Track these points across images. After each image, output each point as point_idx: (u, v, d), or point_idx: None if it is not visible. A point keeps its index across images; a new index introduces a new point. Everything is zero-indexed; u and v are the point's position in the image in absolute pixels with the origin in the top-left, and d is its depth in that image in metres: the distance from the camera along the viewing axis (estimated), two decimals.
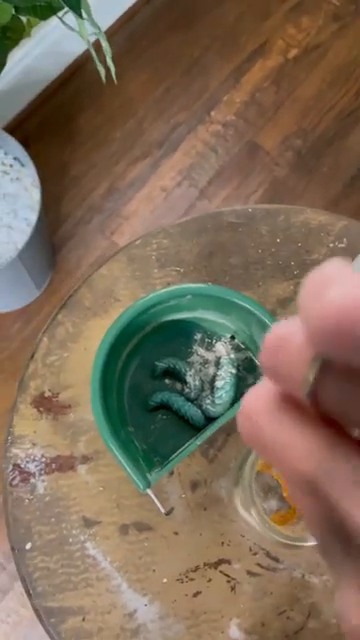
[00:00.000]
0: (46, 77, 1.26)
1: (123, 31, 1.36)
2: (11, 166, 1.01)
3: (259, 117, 1.30)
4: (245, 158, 1.28)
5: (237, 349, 0.45)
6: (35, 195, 0.99)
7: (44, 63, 1.23)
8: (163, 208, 1.25)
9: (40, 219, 0.95)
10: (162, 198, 1.25)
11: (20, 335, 1.16)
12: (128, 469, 0.37)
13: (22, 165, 1.02)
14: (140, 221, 1.24)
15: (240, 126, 1.30)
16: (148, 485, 0.37)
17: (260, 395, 0.15)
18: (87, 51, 1.31)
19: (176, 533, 0.43)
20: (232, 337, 0.46)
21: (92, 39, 0.71)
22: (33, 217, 0.97)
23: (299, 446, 0.14)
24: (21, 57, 1.16)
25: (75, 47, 1.28)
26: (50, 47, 1.21)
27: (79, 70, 1.31)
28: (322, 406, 0.13)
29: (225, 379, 0.43)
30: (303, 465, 0.13)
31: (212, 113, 1.31)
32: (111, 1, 1.30)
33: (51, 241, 1.20)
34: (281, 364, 0.13)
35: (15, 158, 1.02)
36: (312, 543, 0.36)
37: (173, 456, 0.42)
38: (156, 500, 0.36)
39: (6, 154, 1.02)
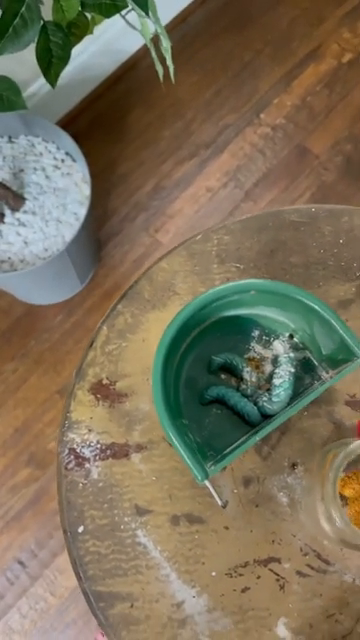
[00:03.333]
0: (99, 75, 1.28)
1: (176, 32, 1.37)
2: (63, 161, 1.03)
3: (309, 121, 1.30)
4: (293, 161, 1.28)
5: (295, 348, 0.45)
6: (85, 190, 1.01)
7: (98, 61, 1.25)
8: (208, 208, 1.25)
9: (88, 214, 0.97)
10: (207, 198, 1.26)
11: (61, 327, 1.18)
12: (187, 458, 0.37)
13: (73, 160, 1.03)
14: (184, 220, 1.24)
15: (289, 129, 1.29)
16: (206, 476, 0.37)
17: None
18: (139, 50, 1.32)
19: (227, 528, 0.43)
20: (290, 336, 0.46)
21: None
22: (82, 212, 0.98)
23: None
24: (76, 54, 1.19)
25: (128, 46, 1.29)
26: (104, 45, 1.22)
27: (131, 69, 1.32)
28: None
29: (284, 377, 0.43)
30: None
31: (261, 116, 1.31)
32: (165, 3, 1.31)
33: (96, 236, 1.22)
34: None
35: (67, 153, 1.04)
36: None
37: (229, 450, 0.42)
38: (214, 491, 0.36)
39: (58, 149, 1.04)
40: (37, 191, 1.00)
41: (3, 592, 1.07)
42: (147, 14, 0.67)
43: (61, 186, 1.01)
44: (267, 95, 1.32)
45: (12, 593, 1.07)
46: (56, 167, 1.03)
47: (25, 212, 0.99)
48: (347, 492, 0.39)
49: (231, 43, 1.36)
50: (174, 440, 0.38)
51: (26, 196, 1.00)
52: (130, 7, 0.70)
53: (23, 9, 0.63)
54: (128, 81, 1.32)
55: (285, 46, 1.35)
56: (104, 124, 1.29)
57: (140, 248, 1.22)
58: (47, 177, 1.02)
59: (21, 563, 1.08)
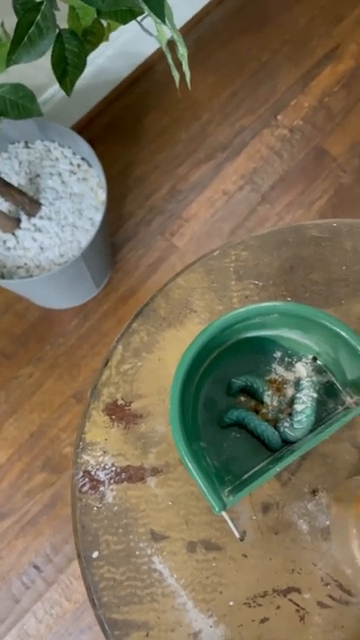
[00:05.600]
0: (115, 79, 1.27)
1: (192, 34, 1.35)
2: (79, 166, 1.03)
3: (327, 122, 1.27)
4: (311, 164, 1.25)
5: (318, 371, 0.44)
6: (100, 195, 1.00)
7: (113, 65, 1.24)
8: (224, 212, 1.24)
9: (104, 219, 0.96)
10: (223, 202, 1.24)
11: (77, 332, 1.18)
12: (204, 489, 0.36)
13: (89, 165, 1.03)
14: (200, 224, 1.23)
15: (307, 131, 1.27)
16: (224, 507, 0.36)
17: None
18: (155, 53, 1.31)
19: (245, 556, 0.42)
20: (314, 358, 0.44)
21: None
22: (97, 217, 0.98)
23: None
24: (92, 59, 1.18)
25: (144, 49, 1.28)
26: (120, 49, 1.21)
27: (147, 72, 1.31)
28: None
29: (306, 403, 0.41)
30: None
31: (278, 117, 1.29)
32: (181, 4, 1.29)
33: (112, 240, 1.21)
34: None
35: (83, 158, 1.03)
36: None
37: (246, 476, 0.41)
38: (231, 523, 0.35)
39: (74, 154, 1.03)
40: (53, 196, 1.00)
41: (19, 596, 1.07)
42: (163, 21, 0.65)
43: (77, 191, 1.01)
44: (284, 96, 1.30)
45: (28, 597, 1.07)
46: (72, 172, 1.02)
47: (41, 218, 0.99)
48: None
49: (248, 44, 1.34)
50: (192, 469, 0.37)
51: (42, 201, 0.99)
52: (146, 13, 0.68)
53: (39, 17, 0.63)
54: (144, 84, 1.31)
55: (303, 46, 1.33)
56: (120, 127, 1.28)
57: (155, 252, 1.22)
58: (63, 182, 1.01)
59: (37, 567, 1.08)
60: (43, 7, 0.62)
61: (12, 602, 1.08)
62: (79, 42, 0.69)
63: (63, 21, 0.66)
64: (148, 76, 1.31)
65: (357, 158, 1.26)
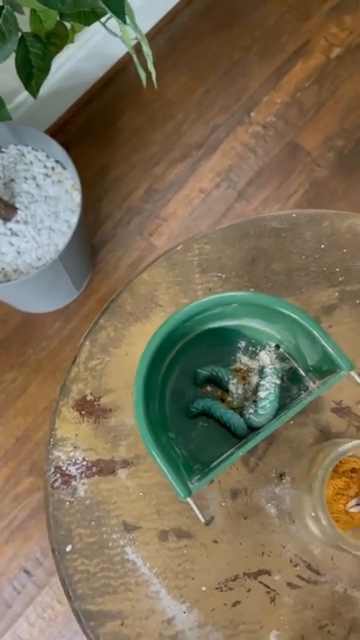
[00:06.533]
0: (88, 80, 1.28)
1: (164, 33, 1.36)
2: (53, 169, 1.03)
3: (300, 117, 1.29)
4: (285, 159, 1.27)
5: (281, 358, 0.45)
6: (76, 198, 1.01)
7: (86, 67, 1.24)
8: (201, 210, 1.25)
9: (80, 221, 0.96)
10: (200, 200, 1.25)
11: (59, 335, 1.18)
12: (169, 476, 0.37)
13: (64, 168, 1.03)
14: (178, 223, 1.24)
15: (280, 127, 1.29)
16: (189, 493, 0.36)
17: None
18: (128, 54, 1.32)
19: (215, 541, 0.42)
20: (277, 346, 0.45)
21: (133, 43, 0.71)
22: (73, 219, 0.98)
23: None
24: (64, 61, 1.18)
25: (116, 50, 1.29)
26: (92, 50, 1.22)
27: (120, 73, 1.32)
28: None
29: (269, 389, 0.42)
30: None
31: (252, 114, 1.30)
32: (152, 3, 1.30)
33: (90, 242, 1.22)
34: None
35: (57, 161, 1.03)
36: None
37: (214, 464, 0.42)
38: (196, 509, 0.36)
39: (48, 157, 1.04)
40: (28, 200, 1.00)
41: (10, 601, 1.07)
42: (124, 21, 0.66)
43: (52, 194, 1.01)
44: (257, 93, 1.31)
45: (19, 602, 1.07)
46: (46, 175, 1.02)
47: (17, 222, 0.99)
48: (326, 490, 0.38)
49: (219, 42, 1.35)
50: (156, 457, 0.37)
51: (17, 205, 0.99)
52: (110, 14, 0.69)
53: (0, 22, 0.63)
54: (117, 85, 1.31)
55: (273, 43, 1.34)
56: (94, 129, 1.29)
57: (135, 252, 1.22)
58: (38, 186, 1.01)
59: (27, 572, 1.08)
60: (4, 11, 0.62)
61: (4, 607, 1.07)
62: (43, 45, 0.70)
63: (26, 24, 0.67)
64: (121, 77, 1.32)
65: (331, 152, 1.28)
